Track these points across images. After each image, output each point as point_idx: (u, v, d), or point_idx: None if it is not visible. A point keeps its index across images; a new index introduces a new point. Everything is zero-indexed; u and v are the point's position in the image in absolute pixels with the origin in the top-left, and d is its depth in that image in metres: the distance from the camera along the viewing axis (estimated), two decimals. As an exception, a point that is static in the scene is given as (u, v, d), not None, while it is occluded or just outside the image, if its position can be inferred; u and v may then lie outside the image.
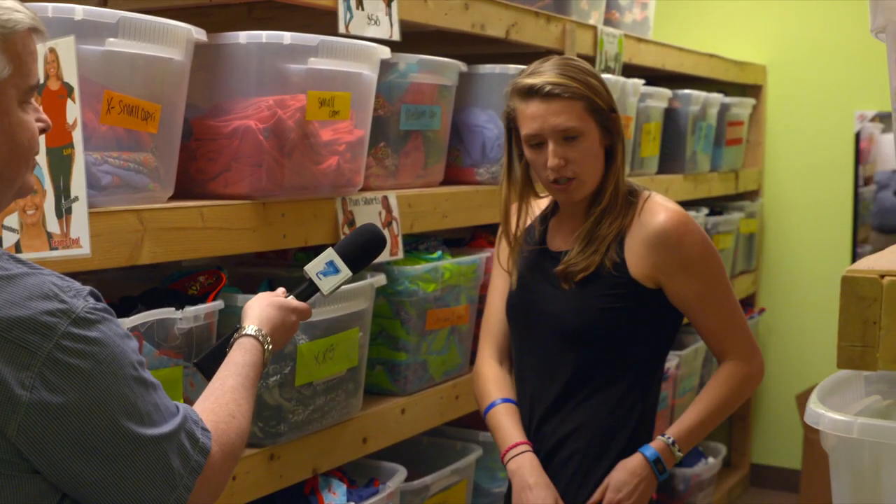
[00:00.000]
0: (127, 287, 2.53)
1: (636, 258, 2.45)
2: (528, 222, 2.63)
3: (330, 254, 2.24)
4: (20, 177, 1.55)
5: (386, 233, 2.76)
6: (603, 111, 2.45)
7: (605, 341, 2.48)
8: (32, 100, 1.55)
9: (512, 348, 2.66)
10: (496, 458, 3.30)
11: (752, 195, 5.80)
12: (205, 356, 2.11)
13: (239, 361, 1.91)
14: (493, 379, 2.66)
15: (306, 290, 2.21)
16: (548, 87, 2.40)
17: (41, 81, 1.85)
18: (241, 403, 1.80)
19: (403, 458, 3.05)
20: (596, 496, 2.47)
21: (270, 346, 2.00)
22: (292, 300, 2.15)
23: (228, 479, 1.71)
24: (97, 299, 1.52)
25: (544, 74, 2.41)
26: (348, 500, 2.70)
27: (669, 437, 2.48)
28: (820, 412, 1.61)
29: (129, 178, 2.19)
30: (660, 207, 2.48)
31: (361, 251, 2.28)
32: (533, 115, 2.43)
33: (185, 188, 2.44)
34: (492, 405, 2.62)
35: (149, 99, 2.21)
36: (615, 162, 2.49)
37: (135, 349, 1.55)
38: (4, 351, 1.39)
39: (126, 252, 2.13)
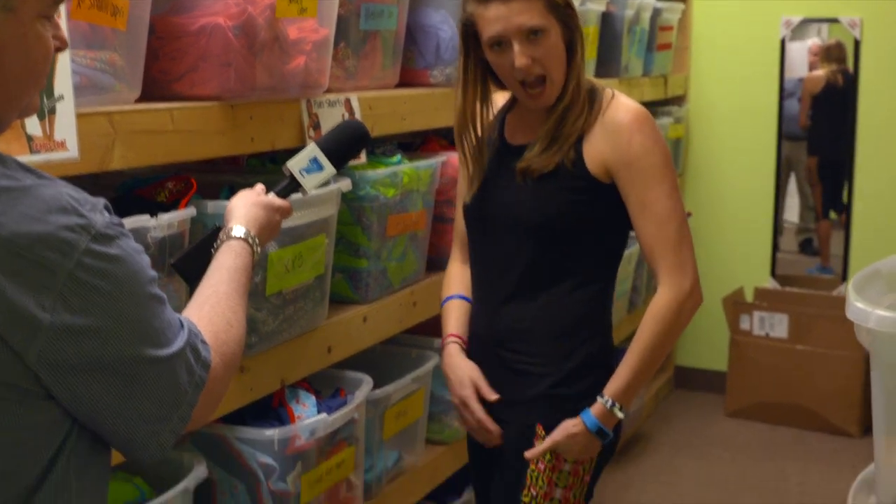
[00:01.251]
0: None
1: (593, 152, 2.40)
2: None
3: (313, 150, 2.15)
4: (28, 95, 1.43)
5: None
6: (560, 7, 2.39)
7: (562, 235, 2.44)
8: (55, 15, 1.43)
9: (469, 245, 2.63)
10: (451, 365, 3.28)
11: (679, 100, 5.81)
12: (183, 257, 2.02)
13: (230, 266, 1.82)
14: (454, 277, 2.71)
15: (287, 187, 2.13)
16: None
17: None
18: (237, 311, 1.73)
19: (360, 367, 2.99)
20: (537, 451, 2.45)
21: (259, 248, 1.92)
22: (275, 198, 2.06)
23: (227, 390, 1.64)
24: (111, 212, 1.42)
25: None
26: (318, 412, 2.64)
27: (608, 400, 2.42)
28: (868, 310, 1.59)
29: (96, 79, 2.07)
30: (622, 105, 2.44)
31: (346, 147, 2.19)
32: (495, 17, 2.35)
33: (147, 90, 2.32)
34: (446, 300, 2.69)
35: (117, -7, 2.08)
36: (576, 57, 2.43)
37: (148, 264, 1.46)
38: (23, 270, 1.29)
39: (98, 157, 2.01)
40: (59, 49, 1.46)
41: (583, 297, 2.48)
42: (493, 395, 2.51)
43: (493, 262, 2.53)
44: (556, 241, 2.45)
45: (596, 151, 2.41)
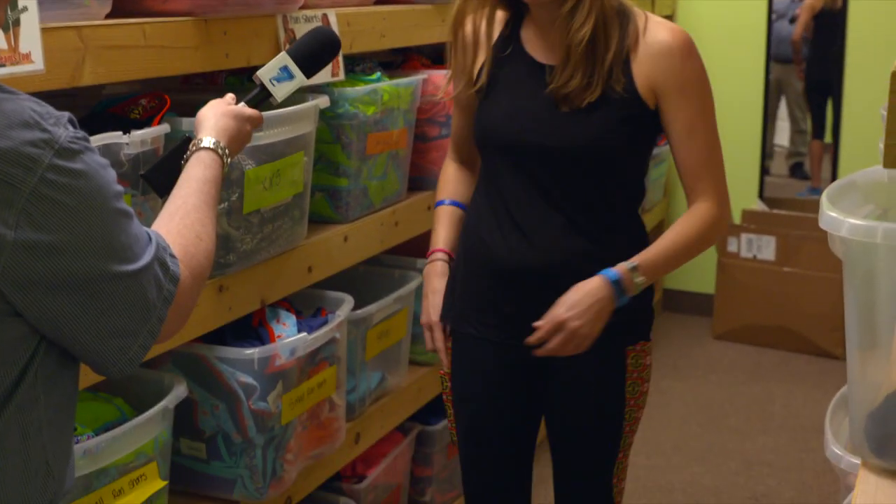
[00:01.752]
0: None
1: (642, 76, 2.28)
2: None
3: (283, 58, 2.11)
4: None
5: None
6: None
7: (611, 164, 2.34)
8: None
9: (486, 171, 2.46)
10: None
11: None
12: (154, 167, 1.98)
13: (200, 177, 1.79)
14: (449, 177, 2.64)
15: (257, 96, 2.09)
16: None
17: None
18: (207, 223, 1.70)
19: (342, 288, 2.97)
20: (546, 317, 2.29)
21: (229, 159, 1.89)
22: (245, 108, 2.02)
23: (196, 303, 1.62)
24: (75, 126, 1.39)
25: None
26: (299, 331, 2.62)
27: (632, 263, 2.29)
28: (840, 219, 1.57)
29: (65, -8, 2.02)
30: (665, 26, 2.31)
31: (316, 55, 2.15)
32: None
33: (118, 6, 2.26)
34: (439, 203, 2.62)
35: None
36: None
37: (114, 178, 1.44)
38: None
39: (68, 72, 1.97)
40: None
41: (628, 224, 2.41)
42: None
43: (524, 190, 2.36)
44: (605, 170, 2.34)
45: (644, 75, 2.28)
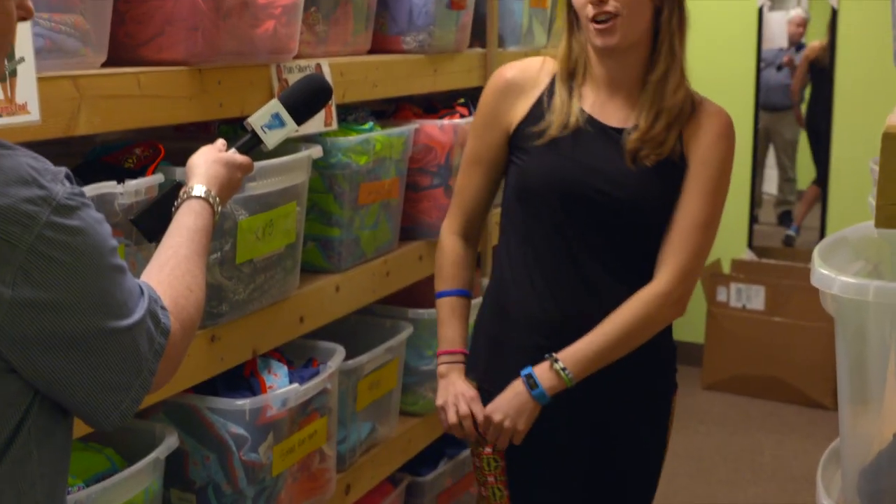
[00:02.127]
0: (55, 161, 2.36)
1: (686, 139, 2.40)
2: (542, 87, 2.49)
3: (275, 105, 2.12)
4: None
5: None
6: None
7: (659, 220, 2.41)
8: None
9: (518, 219, 2.48)
10: (424, 335, 3.27)
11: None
12: (143, 213, 1.99)
13: (191, 227, 1.79)
14: (451, 260, 2.58)
15: (248, 143, 2.09)
16: None
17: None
18: (197, 274, 1.70)
19: (333, 338, 2.96)
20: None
21: (220, 207, 1.89)
22: (236, 155, 2.02)
23: (185, 355, 1.62)
24: (72, 182, 1.39)
25: None
26: (290, 382, 2.61)
27: (557, 359, 2.38)
28: (832, 276, 1.58)
29: (62, 42, 2.02)
30: (715, 105, 2.47)
31: (308, 103, 2.16)
32: None
33: (113, 55, 2.27)
34: (443, 293, 2.58)
35: (82, -46, 2.04)
36: (664, 21, 2.37)
37: (110, 233, 1.44)
38: None
39: (63, 122, 1.97)
40: (23, 19, 1.43)
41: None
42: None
43: (567, 243, 2.42)
44: (652, 225, 2.41)
45: (686, 138, 2.40)
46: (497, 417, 2.40)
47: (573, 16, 2.43)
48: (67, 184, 1.38)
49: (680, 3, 2.41)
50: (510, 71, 2.51)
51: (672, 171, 2.39)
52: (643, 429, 2.58)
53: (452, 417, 2.47)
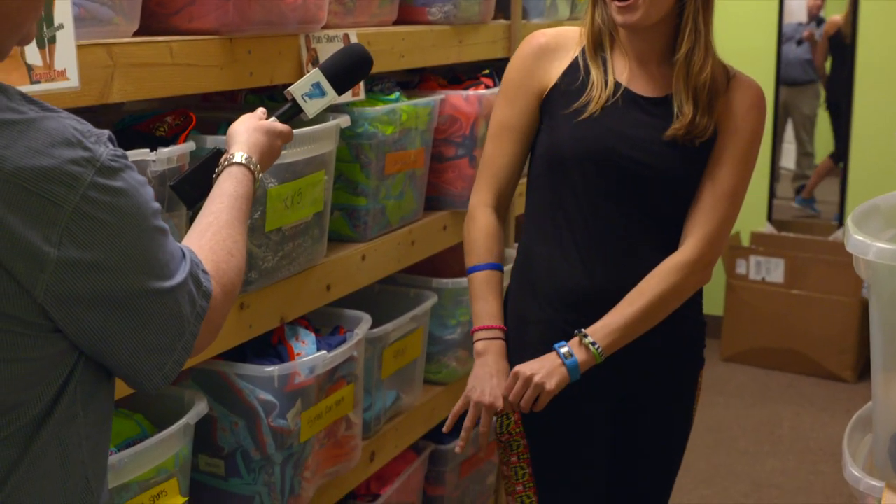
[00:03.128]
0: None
1: (719, 115, 2.39)
2: (571, 56, 2.48)
3: (317, 75, 2.13)
4: (28, 23, 1.42)
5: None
6: None
7: (691, 190, 2.41)
8: None
9: (549, 187, 2.47)
10: (447, 305, 3.29)
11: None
12: (182, 179, 2.00)
13: (231, 193, 1.81)
14: (485, 233, 2.52)
15: (288, 111, 2.11)
16: None
17: None
18: (238, 240, 1.72)
19: (359, 306, 2.98)
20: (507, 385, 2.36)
21: (260, 175, 1.91)
22: (276, 123, 2.04)
23: (226, 319, 1.64)
24: (114, 144, 1.41)
25: None
26: (318, 349, 2.63)
27: (586, 334, 2.36)
28: (868, 242, 1.59)
29: (95, 11, 2.03)
30: (748, 79, 2.45)
31: (349, 73, 2.17)
32: None
33: (144, 24, 2.28)
34: (477, 267, 2.51)
35: (116, -77, 2.05)
36: (693, 2, 2.35)
37: (152, 196, 1.46)
38: (29, 205, 1.28)
39: (97, 89, 1.99)
40: None
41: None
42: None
43: (600, 213, 2.41)
44: (687, 195, 2.41)
45: (718, 111, 2.40)
46: (526, 372, 2.32)
47: None
48: (111, 146, 1.39)
49: None
50: (543, 37, 2.51)
51: (707, 144, 2.39)
52: (669, 405, 2.59)
53: (470, 420, 2.37)
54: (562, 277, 2.45)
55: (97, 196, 1.34)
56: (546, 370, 2.33)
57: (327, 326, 2.85)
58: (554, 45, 2.49)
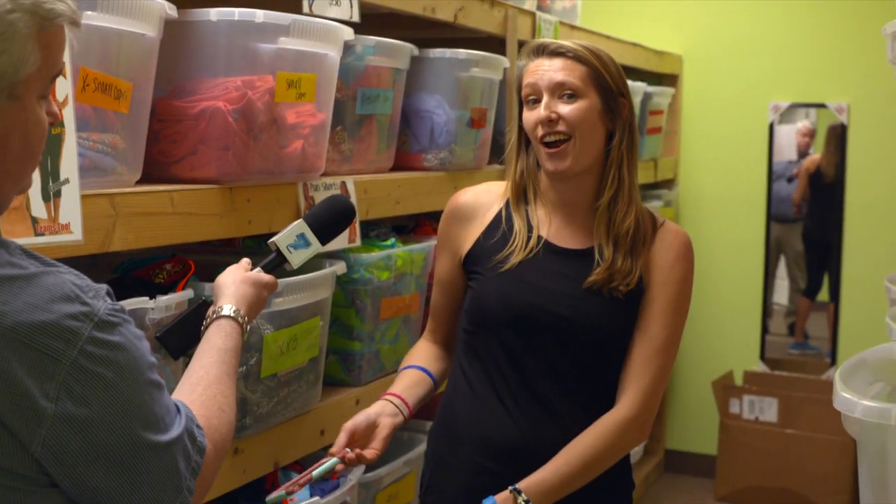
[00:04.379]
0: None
1: (644, 263, 2.35)
2: (494, 212, 2.44)
3: (301, 226, 2.17)
4: (27, 175, 1.46)
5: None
6: (609, 89, 2.31)
7: (620, 346, 2.35)
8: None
9: (482, 346, 2.38)
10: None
11: (669, 184, 5.86)
12: (168, 330, 2.01)
13: (221, 346, 1.83)
14: (419, 349, 2.53)
15: (273, 262, 2.14)
16: (555, 46, 2.31)
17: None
18: (228, 395, 1.74)
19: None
20: None
21: (248, 326, 1.94)
22: (262, 274, 2.07)
23: (217, 476, 1.65)
24: (112, 298, 1.44)
25: (560, 41, 2.33)
26: (311, 495, 2.63)
27: (520, 490, 2.24)
28: (855, 400, 1.61)
29: (99, 161, 2.09)
30: (673, 226, 2.42)
31: (332, 223, 2.21)
32: (534, 70, 2.32)
33: (146, 172, 2.34)
34: (406, 368, 2.47)
35: (121, 77, 2.11)
36: (619, 149, 2.33)
37: (149, 350, 1.48)
38: (28, 359, 1.31)
39: (99, 239, 2.03)
40: (51, 124, 1.48)
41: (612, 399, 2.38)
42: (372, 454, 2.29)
43: (525, 367, 2.33)
44: (614, 350, 2.35)
45: (645, 262, 2.35)
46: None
47: (523, 137, 2.41)
48: (108, 300, 1.42)
49: (631, 127, 2.36)
50: (463, 196, 2.49)
51: (632, 295, 2.34)
52: None
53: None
54: (485, 428, 2.36)
55: (94, 350, 1.36)
56: None
57: (321, 471, 2.85)
58: (472, 205, 2.46)
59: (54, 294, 1.35)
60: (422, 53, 3.24)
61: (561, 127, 2.28)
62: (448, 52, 3.28)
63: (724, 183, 5.88)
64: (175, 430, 1.48)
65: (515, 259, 2.35)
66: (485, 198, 2.47)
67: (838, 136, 5.75)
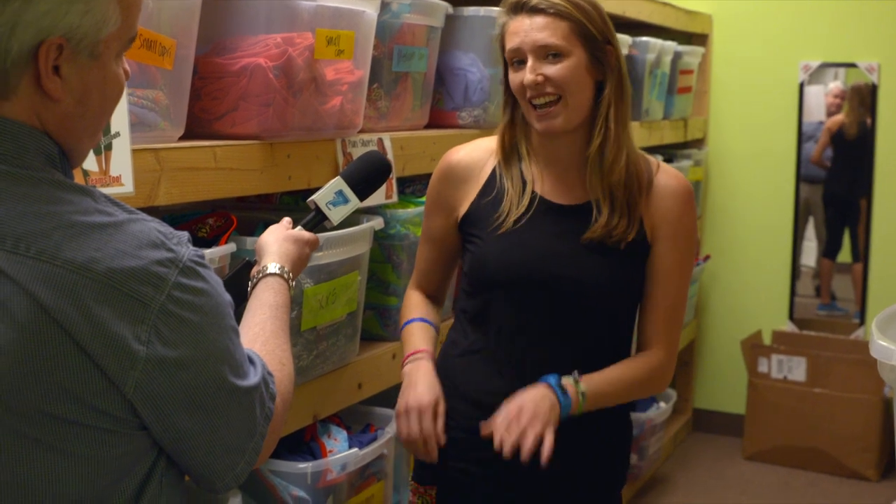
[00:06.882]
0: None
1: (648, 216, 2.32)
2: (488, 171, 2.40)
3: (339, 183, 2.19)
4: (101, 130, 1.51)
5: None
6: (595, 39, 2.25)
7: (627, 304, 2.36)
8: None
9: (483, 310, 2.37)
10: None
11: (699, 143, 5.85)
12: None
13: (272, 303, 1.86)
14: (415, 300, 2.50)
15: (314, 219, 2.17)
16: (535, 2, 2.25)
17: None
18: (286, 348, 1.78)
19: (389, 404, 3.01)
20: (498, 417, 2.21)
21: (293, 283, 1.97)
22: (304, 232, 2.10)
23: (283, 426, 1.67)
24: (193, 245, 1.48)
25: None
26: (350, 446, 2.67)
27: (579, 380, 2.25)
28: (892, 348, 1.64)
29: (143, 116, 2.12)
30: (673, 172, 2.38)
31: (369, 179, 2.23)
32: (515, 31, 2.27)
33: (188, 128, 2.37)
34: (406, 322, 2.46)
35: (165, 34, 2.14)
36: (605, 96, 2.28)
37: (228, 296, 1.52)
38: (120, 304, 1.35)
39: (145, 192, 2.06)
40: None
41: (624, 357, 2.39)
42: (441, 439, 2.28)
43: (526, 328, 2.32)
44: (620, 310, 2.36)
45: (649, 215, 2.32)
46: (524, 419, 2.17)
47: (510, 95, 2.36)
48: (191, 247, 1.46)
49: (620, 74, 2.31)
50: (455, 154, 2.45)
51: (634, 246, 2.31)
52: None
53: (410, 429, 2.26)
54: (483, 387, 2.34)
55: (181, 296, 1.40)
56: (545, 413, 2.19)
57: (358, 424, 2.90)
58: (466, 165, 2.43)
59: (142, 241, 1.39)
60: (456, 12, 3.26)
61: (549, 89, 2.25)
62: (482, 11, 3.29)
63: (753, 143, 5.87)
64: (254, 377, 1.52)
65: (512, 218, 2.32)
66: (478, 155, 2.43)
67: (862, 95, 5.74)
